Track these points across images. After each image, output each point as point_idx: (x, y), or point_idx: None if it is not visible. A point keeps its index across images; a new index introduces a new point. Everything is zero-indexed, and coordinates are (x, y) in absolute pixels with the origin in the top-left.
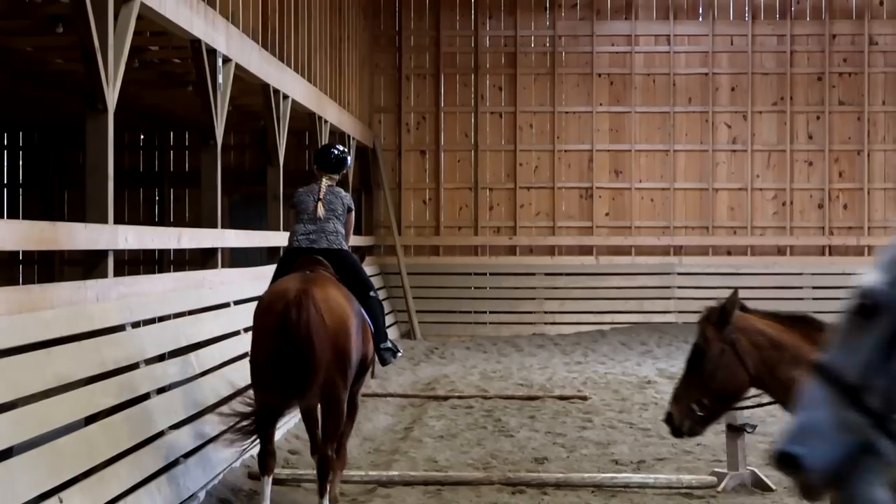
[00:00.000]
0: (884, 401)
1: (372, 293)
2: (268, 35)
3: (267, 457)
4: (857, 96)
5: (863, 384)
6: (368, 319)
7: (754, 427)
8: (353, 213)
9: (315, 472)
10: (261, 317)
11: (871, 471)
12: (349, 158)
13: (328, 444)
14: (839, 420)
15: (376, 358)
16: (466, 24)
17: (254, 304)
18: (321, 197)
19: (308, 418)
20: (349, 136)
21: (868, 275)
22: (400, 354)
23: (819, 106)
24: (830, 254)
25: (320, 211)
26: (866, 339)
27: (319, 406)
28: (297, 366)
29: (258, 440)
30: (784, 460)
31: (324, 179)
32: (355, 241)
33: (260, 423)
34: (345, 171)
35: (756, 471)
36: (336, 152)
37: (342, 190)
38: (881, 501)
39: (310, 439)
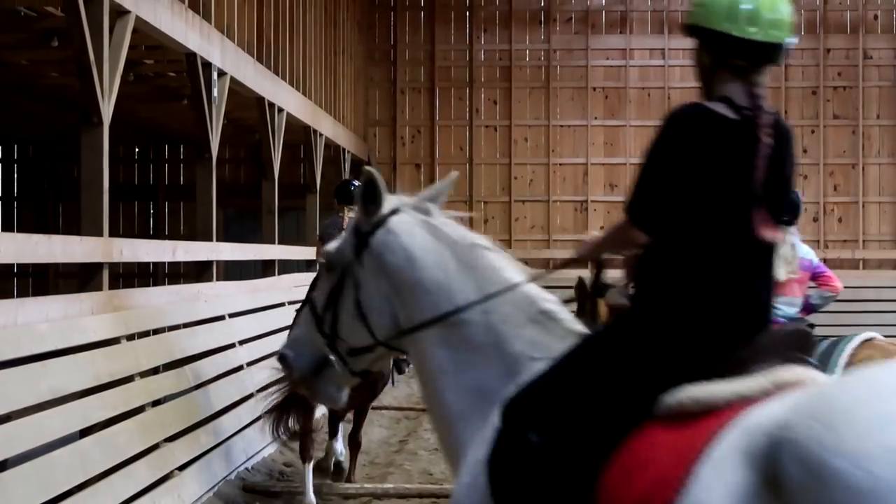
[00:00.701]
0: (331, 328)
1: None
2: (263, 49)
3: (309, 443)
4: (852, 110)
5: (321, 315)
6: None
7: None
8: None
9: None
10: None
11: (328, 375)
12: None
13: (359, 431)
14: (311, 337)
15: (394, 368)
16: (461, 38)
17: (248, 318)
18: (345, 227)
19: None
20: (344, 150)
21: (333, 243)
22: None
23: (814, 120)
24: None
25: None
26: (325, 284)
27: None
28: None
29: (299, 428)
30: (280, 359)
31: (346, 211)
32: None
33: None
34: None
35: None
36: (353, 187)
37: None
38: (334, 395)
39: (330, 426)
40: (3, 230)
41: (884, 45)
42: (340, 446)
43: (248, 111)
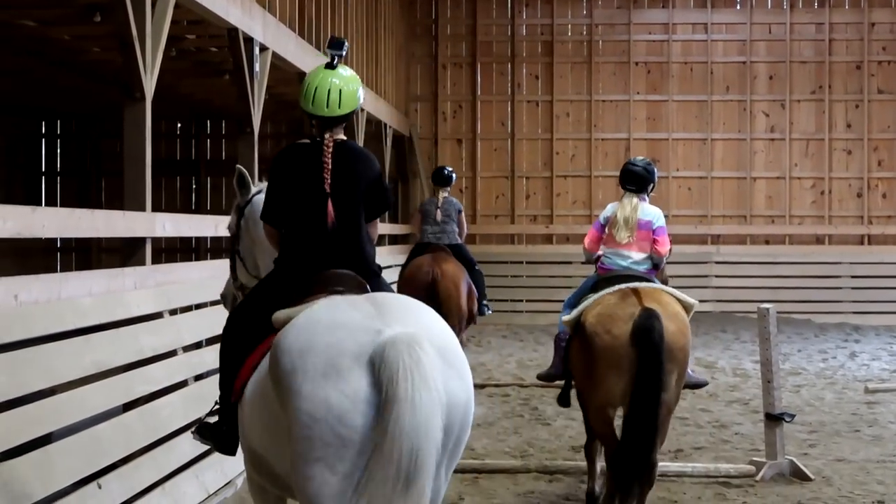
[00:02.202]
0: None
1: (476, 267)
2: (304, 24)
3: None
4: None
5: (235, 234)
6: (473, 285)
7: (793, 416)
8: (463, 212)
9: None
10: (408, 277)
11: (235, 281)
12: (454, 176)
13: None
14: (230, 280)
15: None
16: (503, 12)
17: None
18: (440, 205)
19: None
20: (385, 125)
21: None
22: (490, 312)
23: (858, 94)
24: (869, 243)
25: (439, 216)
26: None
27: None
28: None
29: None
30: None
31: (440, 192)
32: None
33: None
34: (451, 184)
35: (794, 460)
36: (446, 172)
37: (454, 198)
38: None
39: None
40: (46, 205)
41: None
42: None
43: (290, 86)
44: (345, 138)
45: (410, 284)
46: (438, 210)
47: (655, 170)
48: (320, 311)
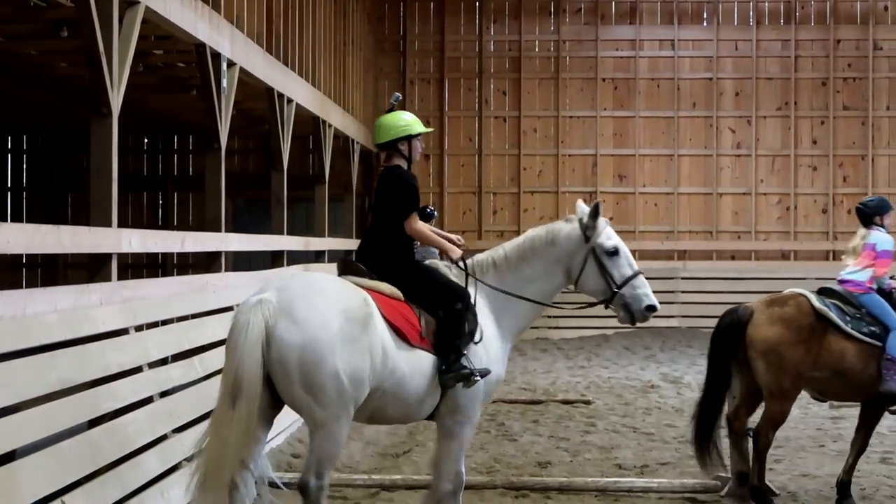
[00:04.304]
0: None
1: None
2: (272, 39)
3: None
4: (862, 101)
5: None
6: None
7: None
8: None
9: None
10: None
11: None
12: (435, 213)
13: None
14: None
15: None
16: (471, 28)
17: None
18: None
19: None
20: (353, 140)
21: None
22: None
23: (823, 111)
24: (835, 258)
25: (420, 243)
26: None
27: None
28: None
29: None
30: None
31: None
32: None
33: None
34: (433, 221)
35: None
36: (428, 211)
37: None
38: None
39: None
40: (12, 221)
41: (893, 36)
42: None
43: (258, 102)
44: (394, 164)
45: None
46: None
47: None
48: None
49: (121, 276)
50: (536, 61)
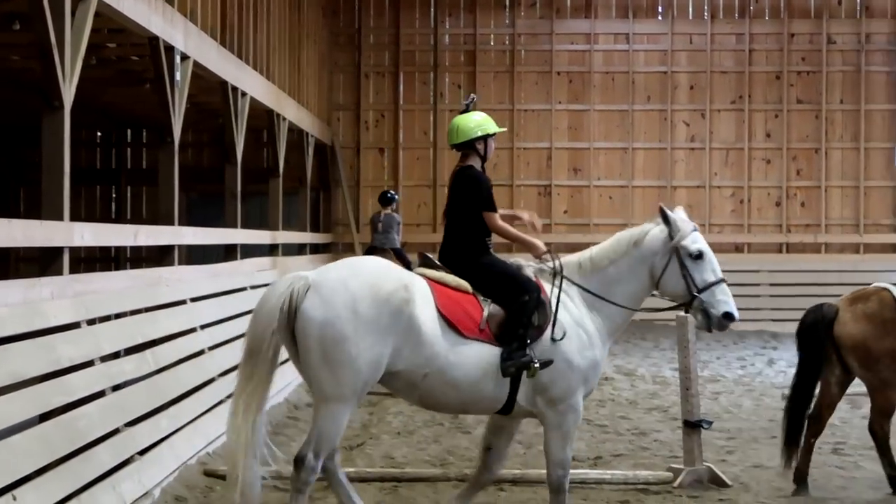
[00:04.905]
0: None
1: (411, 268)
2: (226, 33)
3: None
4: (815, 95)
5: None
6: None
7: (711, 423)
8: (401, 224)
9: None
10: None
11: None
12: (396, 196)
13: None
14: None
15: None
16: (426, 21)
17: (210, 301)
18: (381, 220)
19: None
20: (307, 134)
21: None
22: None
23: (777, 104)
24: (788, 251)
25: (381, 228)
26: None
27: None
28: None
29: None
30: None
31: (383, 210)
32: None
33: None
34: (395, 204)
35: (712, 466)
36: (388, 195)
37: (395, 214)
38: None
39: None
40: None
41: (847, 30)
42: None
43: (212, 95)
44: (468, 164)
45: None
46: (380, 223)
47: None
48: None
49: (73, 270)
50: (491, 55)
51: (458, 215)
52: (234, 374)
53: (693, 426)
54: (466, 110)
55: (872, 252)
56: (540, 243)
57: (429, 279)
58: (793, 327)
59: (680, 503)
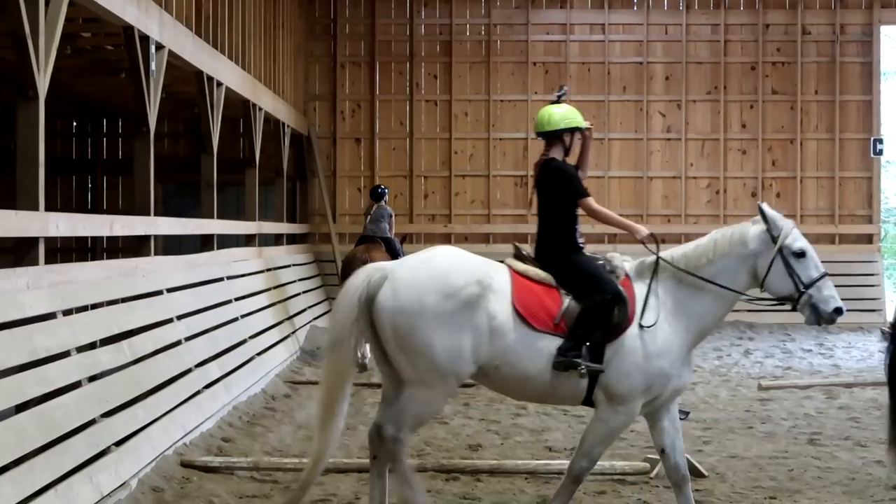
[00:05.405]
0: None
1: (401, 255)
2: (202, 22)
3: None
4: (790, 85)
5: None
6: None
7: (687, 413)
8: (392, 216)
9: (248, 459)
10: (348, 257)
11: None
12: (387, 191)
13: None
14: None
15: None
16: (402, 12)
17: (186, 292)
18: (372, 212)
19: None
20: (283, 124)
21: None
22: None
23: (752, 95)
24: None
25: (370, 220)
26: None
27: None
28: None
29: None
30: None
31: (374, 203)
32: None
33: None
34: (386, 197)
35: (689, 457)
36: (379, 190)
37: (386, 207)
38: None
39: None
40: None
41: (822, 21)
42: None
43: (187, 85)
44: (550, 156)
45: (349, 262)
46: (371, 216)
47: None
48: None
49: (49, 260)
50: (467, 45)
51: (547, 210)
52: (210, 365)
53: None
54: (557, 101)
55: (847, 242)
56: (642, 227)
57: (513, 270)
58: (769, 318)
59: (657, 494)
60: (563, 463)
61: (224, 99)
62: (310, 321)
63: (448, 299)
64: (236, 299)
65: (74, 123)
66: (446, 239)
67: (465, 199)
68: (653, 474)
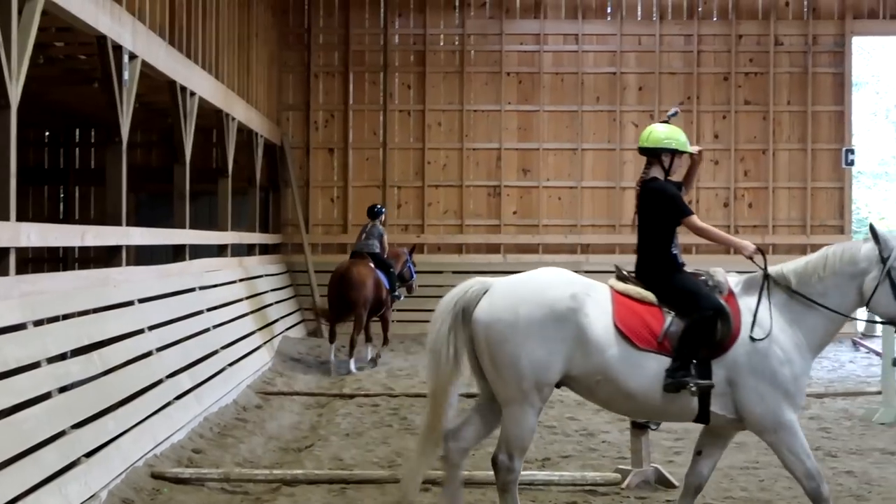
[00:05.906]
0: None
1: (391, 269)
2: (175, 32)
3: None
4: (763, 96)
5: None
6: (385, 281)
7: (658, 424)
8: (385, 235)
9: (219, 471)
10: (337, 270)
11: None
12: (384, 210)
13: (357, 331)
14: None
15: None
16: (376, 22)
17: (158, 302)
18: (367, 230)
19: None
20: (257, 134)
21: None
22: (402, 298)
23: (725, 105)
24: (735, 252)
25: (364, 237)
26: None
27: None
28: (345, 298)
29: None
30: None
31: (370, 222)
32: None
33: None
34: (382, 217)
35: (659, 468)
36: (376, 209)
37: (379, 227)
38: None
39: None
40: None
41: (794, 32)
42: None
43: (160, 94)
44: (651, 176)
45: (336, 274)
46: (365, 233)
47: None
48: None
49: (20, 271)
50: (441, 55)
51: (647, 229)
52: (182, 376)
53: (641, 427)
54: (667, 121)
55: None
56: (748, 243)
57: (614, 290)
58: None
59: None
60: (534, 474)
61: (197, 108)
62: (282, 332)
63: (540, 310)
64: (208, 310)
65: (47, 133)
66: (418, 249)
67: (439, 209)
68: (624, 485)
